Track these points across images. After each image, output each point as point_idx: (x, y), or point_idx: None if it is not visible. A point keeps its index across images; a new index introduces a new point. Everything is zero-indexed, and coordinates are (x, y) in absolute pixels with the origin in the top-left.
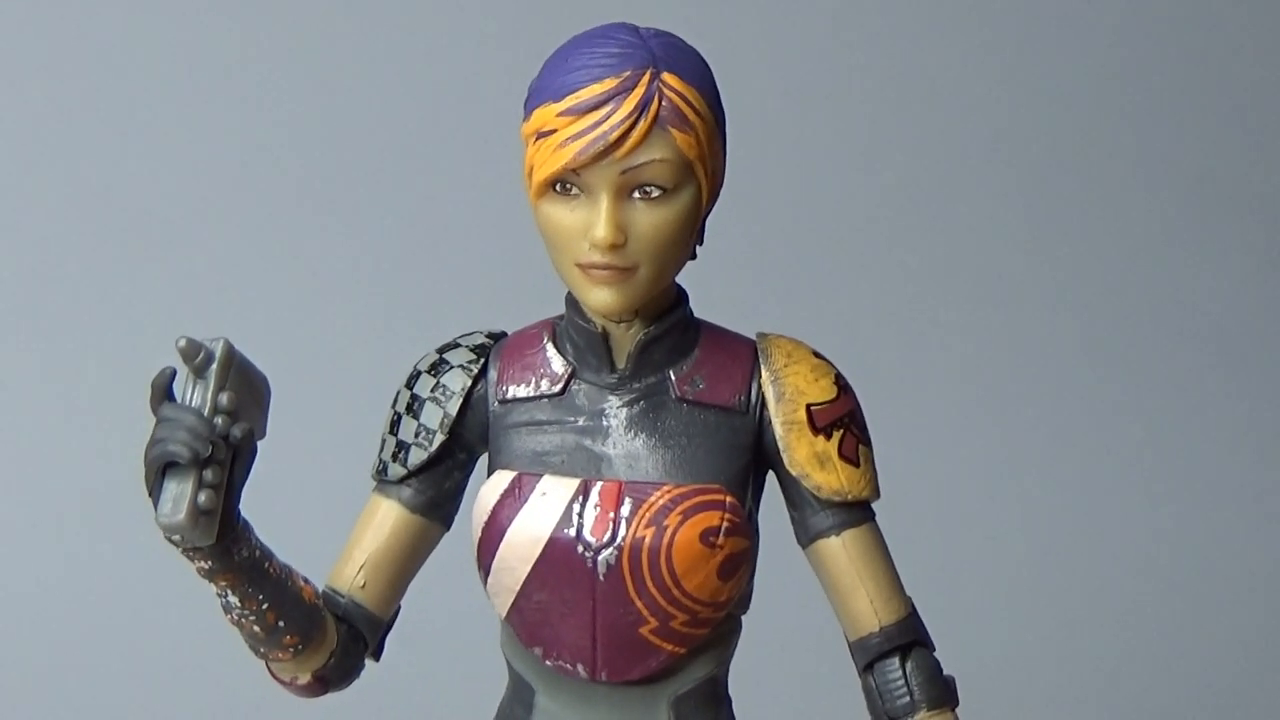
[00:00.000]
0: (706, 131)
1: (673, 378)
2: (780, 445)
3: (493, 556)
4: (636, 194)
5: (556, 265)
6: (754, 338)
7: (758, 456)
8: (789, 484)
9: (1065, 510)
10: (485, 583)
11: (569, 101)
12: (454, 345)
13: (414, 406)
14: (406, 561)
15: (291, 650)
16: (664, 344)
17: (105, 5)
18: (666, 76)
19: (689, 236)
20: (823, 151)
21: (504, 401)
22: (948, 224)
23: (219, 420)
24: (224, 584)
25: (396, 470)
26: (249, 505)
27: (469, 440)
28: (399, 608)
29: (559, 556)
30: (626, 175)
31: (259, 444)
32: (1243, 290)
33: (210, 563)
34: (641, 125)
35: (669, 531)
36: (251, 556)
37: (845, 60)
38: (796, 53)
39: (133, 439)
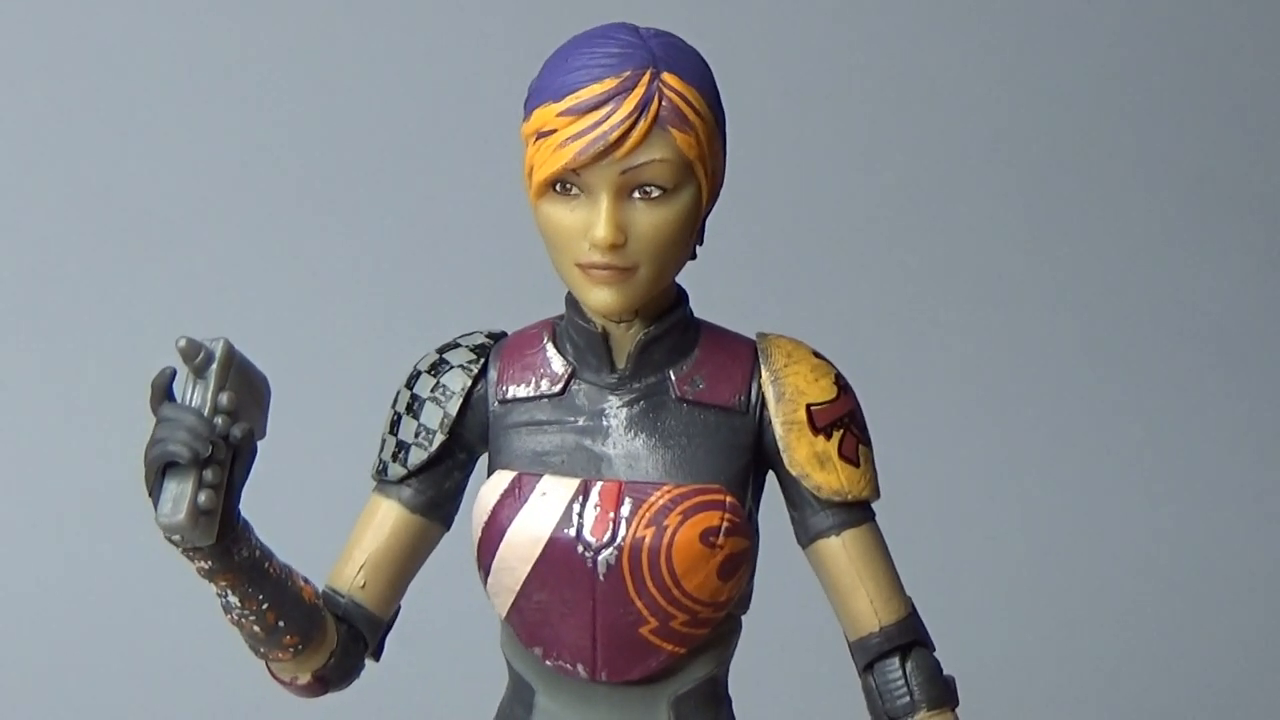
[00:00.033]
0: (706, 131)
1: (673, 378)
2: (780, 445)
3: (493, 556)
4: (636, 194)
5: (556, 265)
6: (754, 338)
7: (758, 456)
8: (789, 484)
9: (1065, 510)
10: (485, 583)
11: (569, 101)
12: (454, 345)
13: (414, 406)
14: (406, 561)
15: (291, 650)
16: (664, 344)
17: (105, 5)
18: (666, 76)
19: (689, 236)
20: (823, 151)
21: (504, 401)
22: (948, 224)
23: (219, 420)
24: (224, 584)
25: (396, 470)
26: (249, 505)
27: (469, 440)
28: (399, 608)
29: (559, 556)
30: (626, 175)
31: (259, 444)
32: (1243, 290)
33: (210, 563)
34: (641, 125)
35: (669, 531)
36: (251, 556)
37: (845, 60)
38: (796, 53)
39: (133, 439)
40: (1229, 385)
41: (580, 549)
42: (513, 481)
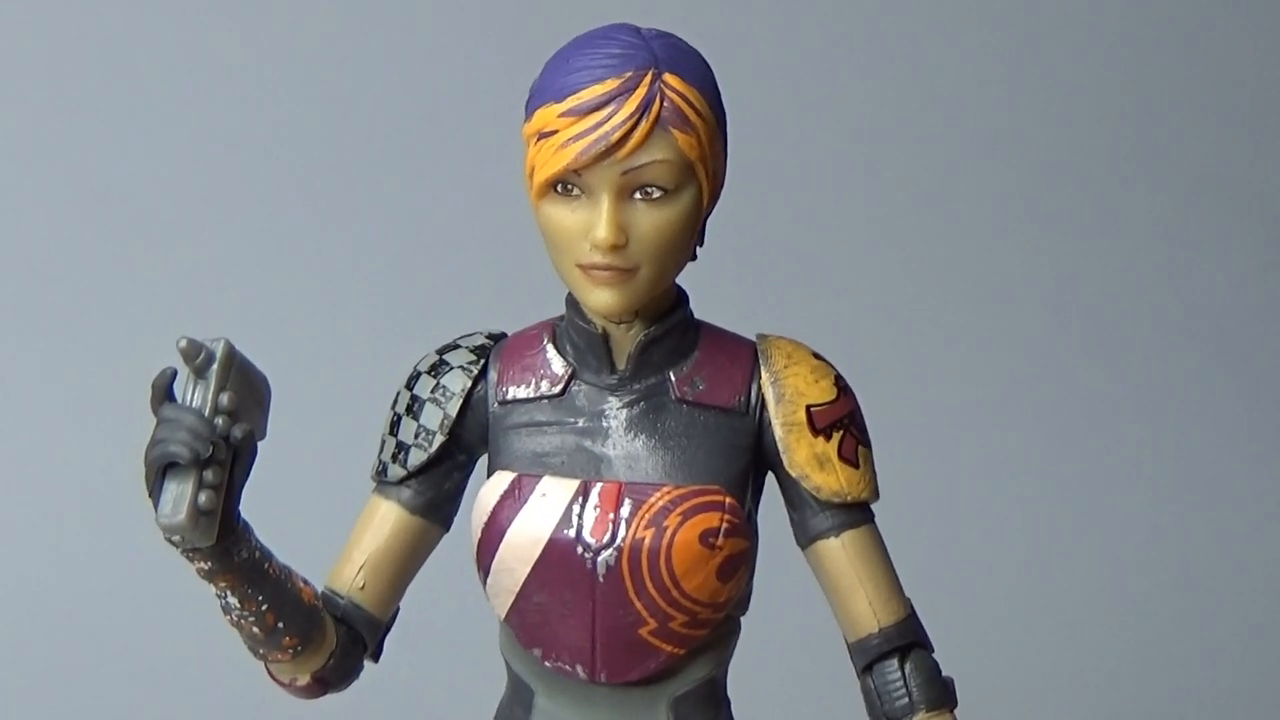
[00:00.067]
0: (708, 132)
1: (673, 379)
2: (780, 446)
3: (492, 557)
4: (638, 195)
5: (557, 266)
6: (754, 339)
7: (757, 457)
8: (788, 485)
9: (1065, 510)
10: (484, 584)
11: (570, 102)
12: (454, 346)
13: (414, 407)
14: (406, 562)
15: (291, 651)
16: (664, 345)
17: (105, 5)
18: (668, 77)
19: (690, 237)
20: (823, 151)
21: (504, 402)
22: (948, 224)
23: (219, 421)
24: (223, 585)
25: (396, 471)
26: (249, 506)
27: (469, 441)
28: (398, 609)
29: (558, 558)
30: (628, 176)
31: (259, 444)
32: (1243, 290)
33: (210, 563)
34: (643, 126)
35: (668, 532)
36: (251, 557)
37: (845, 60)
38: (796, 53)
39: (133, 439)
40: (1229, 385)
41: (580, 550)
42: (512, 482)
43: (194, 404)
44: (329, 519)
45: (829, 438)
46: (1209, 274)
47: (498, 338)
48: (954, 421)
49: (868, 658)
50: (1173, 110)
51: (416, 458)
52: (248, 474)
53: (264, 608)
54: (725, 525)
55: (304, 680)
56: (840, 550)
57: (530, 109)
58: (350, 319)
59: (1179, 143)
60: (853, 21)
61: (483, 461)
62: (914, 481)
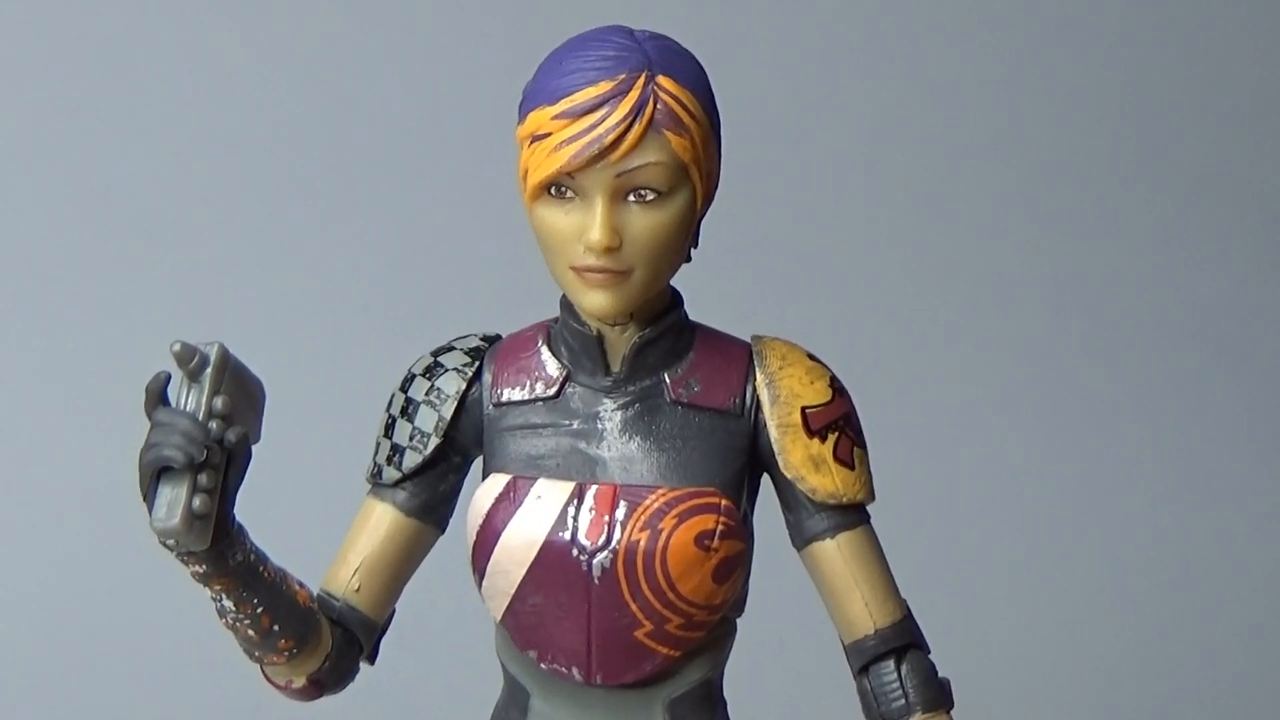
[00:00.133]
0: (701, 134)
1: (667, 380)
2: (775, 448)
3: (487, 560)
4: (631, 197)
5: (551, 268)
6: (749, 340)
7: (753, 459)
8: (784, 487)
9: (1065, 510)
10: (480, 586)
11: (564, 105)
12: (448, 348)
13: (408, 410)
14: (401, 565)
15: (286, 654)
16: (659, 347)
17: (105, 5)
18: (661, 79)
19: (684, 239)
20: (822, 151)
21: (499, 404)
22: (948, 224)
23: (213, 424)
24: (219, 588)
25: (391, 473)
26: (243, 509)
27: (463, 443)
28: (394, 611)
29: (554, 560)
30: (622, 178)
31: (253, 448)
32: (1243, 290)
33: (205, 567)
34: (637, 128)
35: (664, 535)
36: (246, 560)
37: (845, 60)
38: (795, 53)
39: (132, 440)
40: (1229, 385)
41: (575, 552)
42: (507, 485)
43: (188, 408)
44: (324, 521)
45: (824, 439)
46: (1209, 274)
47: (492, 340)
48: (954, 421)
49: (864, 659)
50: (1173, 110)
51: (411, 460)
52: (242, 477)
53: (259, 610)
54: (721, 527)
55: (300, 682)
56: (836, 552)
57: (524, 111)
58: (346, 321)
59: (1179, 143)
60: (853, 21)
61: (478, 464)
62: (913, 481)
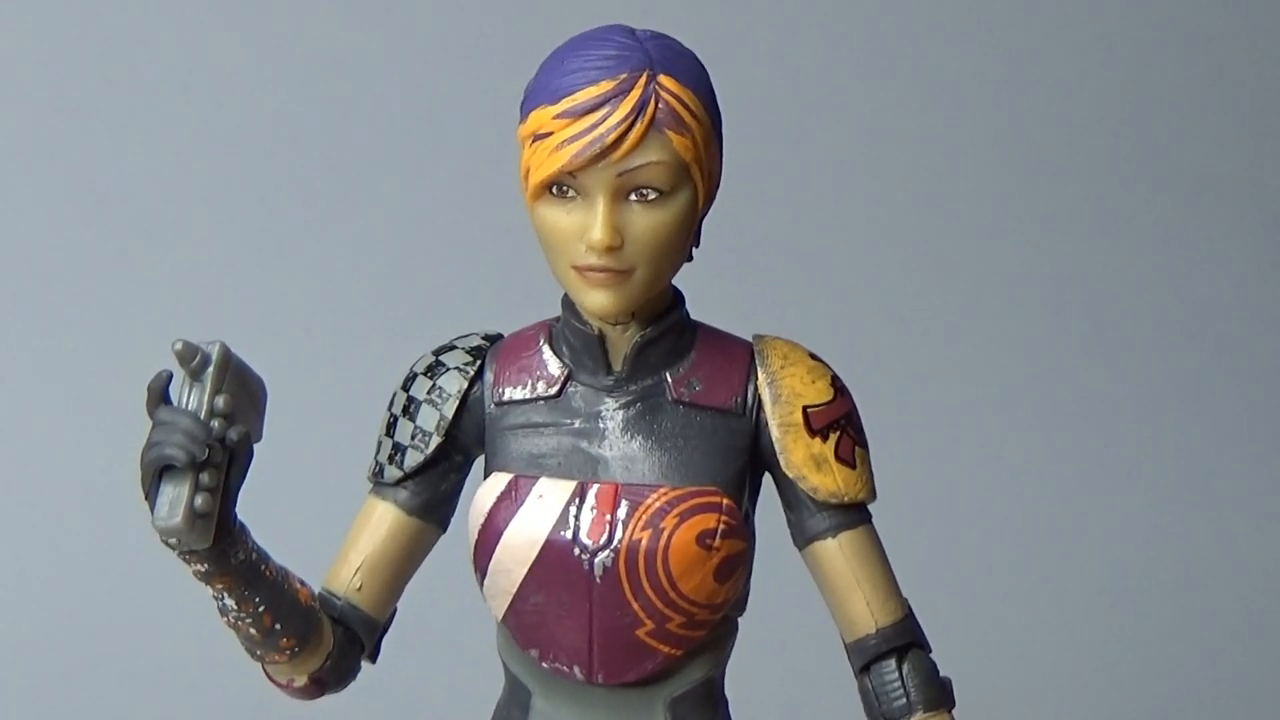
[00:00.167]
0: (703, 133)
1: (669, 380)
2: (777, 447)
3: (489, 559)
4: (633, 196)
5: (553, 268)
6: (750, 340)
7: (754, 458)
8: (785, 486)
9: (1065, 510)
10: (481, 585)
11: (565, 104)
12: (450, 347)
13: (410, 409)
14: (403, 564)
15: (288, 653)
16: (660, 346)
17: (105, 5)
18: (663, 79)
19: (685, 239)
20: (822, 151)
21: (500, 404)
22: (948, 224)
23: (215, 423)
24: (220, 587)
25: (393, 473)
26: (245, 508)
27: (465, 442)
28: (395, 610)
29: (555, 559)
30: (623, 178)
31: (255, 447)
32: (1243, 290)
33: (207, 566)
34: (638, 128)
35: (665, 534)
36: (248, 559)
37: (845, 60)
38: (795, 53)
39: (132, 439)
40: (1229, 385)
41: (577, 551)
42: (509, 484)
43: (190, 407)
44: (326, 520)
45: (826, 438)
46: (1209, 274)
47: (494, 339)
48: (954, 421)
49: (865, 658)
50: (1173, 110)
51: (413, 459)
52: (244, 476)
53: (261, 609)
54: (722, 526)
55: (301, 681)
56: (837, 551)
57: (525, 110)
58: (347, 321)
59: (1179, 143)
60: (853, 21)
61: (479, 463)
62: (914, 481)
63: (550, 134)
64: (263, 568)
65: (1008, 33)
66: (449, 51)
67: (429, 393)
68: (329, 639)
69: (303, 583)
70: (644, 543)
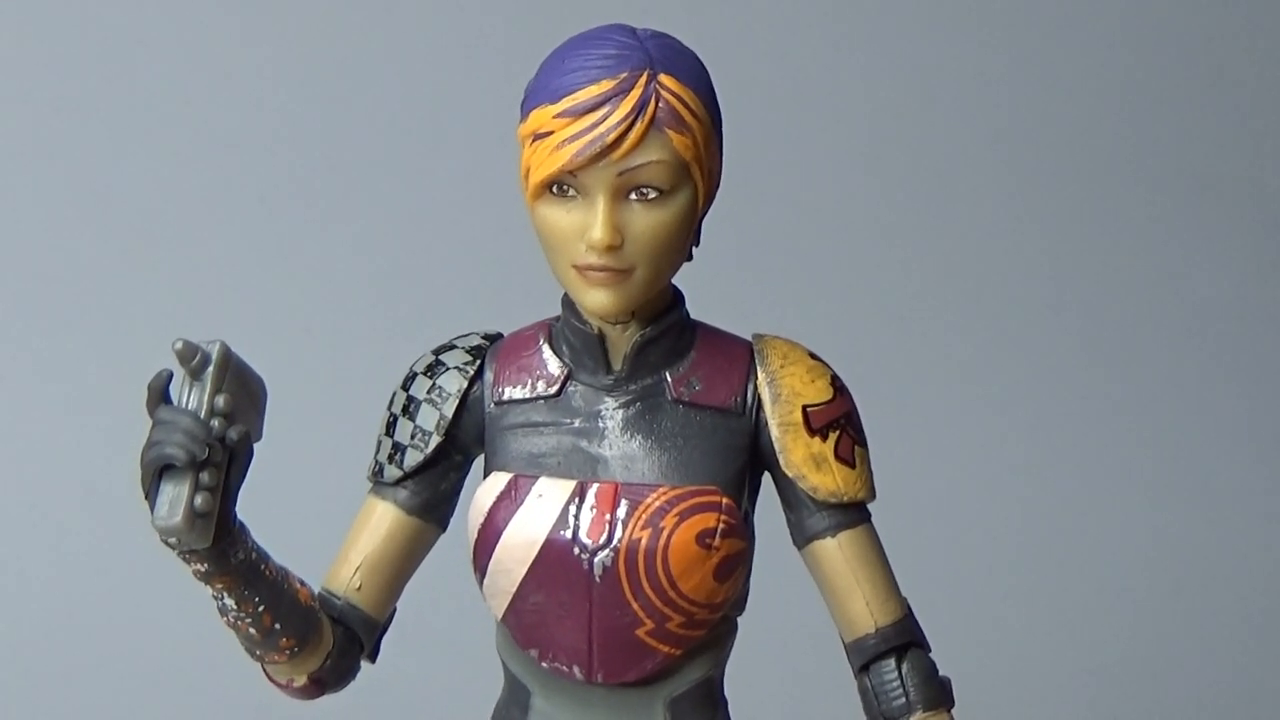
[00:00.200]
0: (703, 133)
1: (669, 379)
2: (776, 446)
3: (489, 558)
4: (633, 195)
5: (553, 267)
6: (750, 339)
7: (754, 458)
8: (785, 485)
9: (1065, 510)
10: (481, 584)
11: (566, 103)
12: (450, 347)
13: (410, 408)
14: (402, 563)
15: (288, 652)
16: (660, 345)
17: (105, 5)
18: (663, 78)
19: (685, 238)
20: (822, 151)
21: (500, 403)
22: (948, 224)
23: (215, 423)
24: (220, 586)
25: (392, 472)
26: (245, 508)
27: (465, 442)
28: (395, 609)
29: (555, 558)
30: (623, 177)
31: (255, 446)
32: (1243, 290)
33: (206, 565)
34: (638, 127)
35: (665, 533)
36: (248, 559)
37: (845, 60)
38: (795, 53)
39: (132, 439)
40: (1229, 385)
41: (576, 551)
42: (509, 483)
43: (190, 406)
44: (326, 520)
45: (825, 438)
46: (1209, 274)
47: (494, 338)
48: (954, 421)
49: (865, 657)
50: (1173, 110)
51: (412, 458)
52: (244, 476)
53: (261, 609)
54: (722, 526)
55: (301, 681)
56: (837, 550)
57: (525, 110)
58: (347, 321)
59: (1179, 143)
60: (853, 21)
61: (479, 462)
62: (914, 481)
63: (550, 133)
64: (262, 567)
65: (1008, 33)
66: (449, 51)
67: (429, 392)
68: (329, 639)
69: (302, 582)
70: (644, 542)
